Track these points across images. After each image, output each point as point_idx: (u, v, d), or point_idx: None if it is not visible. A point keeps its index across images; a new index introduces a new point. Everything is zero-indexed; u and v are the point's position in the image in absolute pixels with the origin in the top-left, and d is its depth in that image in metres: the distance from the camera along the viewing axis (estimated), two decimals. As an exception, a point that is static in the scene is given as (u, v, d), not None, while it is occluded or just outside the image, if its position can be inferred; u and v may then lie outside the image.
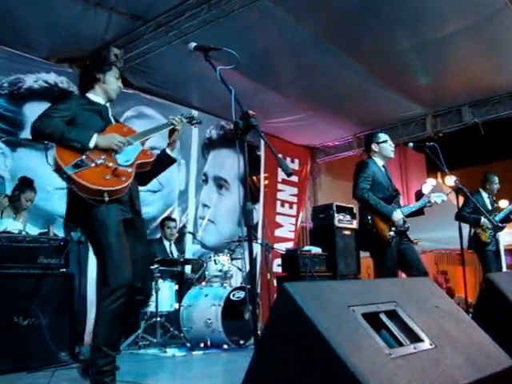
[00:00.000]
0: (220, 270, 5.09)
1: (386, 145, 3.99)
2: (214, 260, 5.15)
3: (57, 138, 2.43)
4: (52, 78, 5.65)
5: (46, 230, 4.27)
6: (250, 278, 5.48)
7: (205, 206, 7.32)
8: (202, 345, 4.62)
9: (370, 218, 3.89)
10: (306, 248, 6.42)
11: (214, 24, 5.07)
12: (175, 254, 5.86)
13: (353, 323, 1.52)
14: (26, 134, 5.36)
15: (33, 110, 5.39)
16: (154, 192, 6.45)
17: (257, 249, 7.16)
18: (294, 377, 1.43)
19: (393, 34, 5.53)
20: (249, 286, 4.95)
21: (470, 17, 5.21)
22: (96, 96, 2.75)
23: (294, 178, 8.80)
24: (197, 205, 7.21)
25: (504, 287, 2.23)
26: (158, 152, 2.94)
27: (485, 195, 5.58)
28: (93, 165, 2.45)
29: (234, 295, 4.77)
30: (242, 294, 4.82)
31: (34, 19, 5.00)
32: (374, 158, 4.01)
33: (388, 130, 7.43)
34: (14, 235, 3.70)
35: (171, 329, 4.93)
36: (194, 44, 2.44)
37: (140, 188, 2.81)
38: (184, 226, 6.86)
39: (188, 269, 5.84)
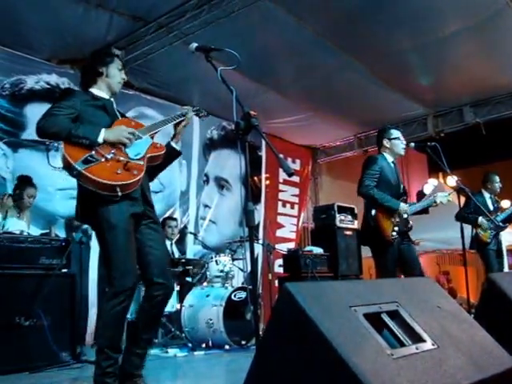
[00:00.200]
0: (221, 271, 5.09)
1: (398, 142, 3.96)
2: (216, 260, 5.16)
3: (64, 136, 2.36)
4: (53, 79, 5.66)
5: (48, 231, 4.28)
6: (251, 278, 5.48)
7: (206, 206, 7.33)
8: (203, 345, 4.62)
9: (373, 216, 3.88)
10: (308, 248, 6.42)
11: (214, 25, 5.07)
12: (176, 253, 5.86)
13: (354, 323, 1.51)
14: (28, 134, 5.37)
15: (34, 111, 5.40)
16: (156, 193, 6.45)
17: (258, 249, 7.16)
18: (296, 377, 1.42)
19: (394, 34, 5.53)
20: (250, 287, 4.95)
21: (471, 17, 5.21)
22: (99, 91, 2.67)
23: (296, 179, 8.80)
24: (198, 205, 7.21)
25: (506, 287, 2.23)
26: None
27: (486, 195, 5.56)
28: (103, 159, 2.37)
29: (235, 295, 4.77)
30: (243, 295, 4.82)
31: (35, 20, 5.00)
32: (384, 153, 3.99)
33: (389, 130, 7.42)
34: (15, 236, 3.71)
35: (173, 329, 4.93)
36: (195, 45, 2.44)
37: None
38: (185, 227, 6.87)
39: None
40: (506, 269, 5.67)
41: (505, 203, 5.88)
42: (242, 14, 4.96)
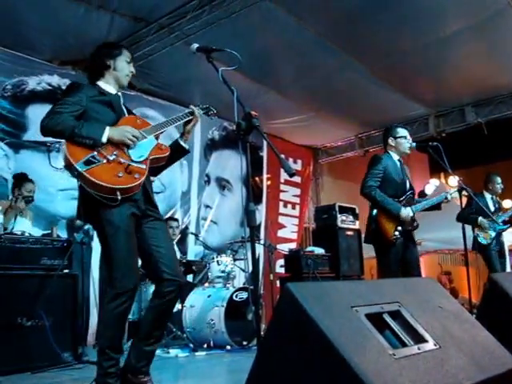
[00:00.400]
0: (223, 271, 5.09)
1: (404, 140, 3.97)
2: (217, 261, 5.16)
3: (67, 135, 2.33)
4: (55, 80, 5.67)
5: (50, 232, 4.28)
6: (252, 278, 5.49)
7: (207, 206, 7.33)
8: (204, 345, 4.62)
9: (375, 216, 3.89)
10: (309, 249, 6.42)
11: (215, 25, 5.08)
12: (177, 254, 5.86)
13: (356, 324, 1.51)
14: (29, 136, 5.38)
15: (36, 113, 5.41)
16: (157, 193, 6.45)
17: (260, 250, 7.16)
18: (297, 377, 1.42)
19: (395, 34, 5.53)
20: (252, 287, 4.95)
21: (472, 17, 5.20)
22: (107, 85, 2.61)
23: (297, 179, 8.80)
24: (199, 206, 7.21)
25: (508, 287, 2.22)
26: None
27: (488, 196, 5.56)
28: (105, 161, 2.34)
29: (236, 296, 4.77)
30: (244, 295, 4.82)
31: (36, 21, 5.01)
32: (390, 152, 4.00)
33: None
34: (17, 236, 3.71)
35: (174, 329, 4.93)
36: (196, 45, 2.44)
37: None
38: (186, 227, 6.87)
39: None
40: (508, 269, 5.67)
41: (506, 203, 5.87)
42: (243, 15, 4.96)
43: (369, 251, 6.70)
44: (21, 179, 4.45)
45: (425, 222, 4.06)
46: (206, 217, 7.29)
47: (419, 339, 1.62)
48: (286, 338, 1.49)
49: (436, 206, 4.05)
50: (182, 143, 2.74)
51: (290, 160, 8.65)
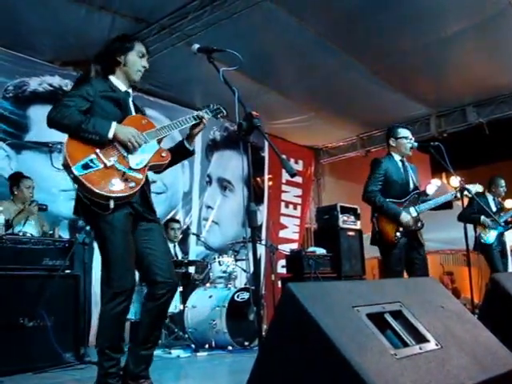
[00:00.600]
0: (224, 271, 5.09)
1: (405, 141, 3.98)
2: (219, 261, 5.16)
3: (73, 130, 2.31)
4: (56, 81, 5.67)
5: (51, 232, 4.28)
6: (254, 279, 5.49)
7: (208, 207, 7.33)
8: (206, 346, 4.62)
9: (376, 219, 3.90)
10: (311, 249, 6.41)
11: (216, 26, 5.08)
12: (179, 255, 5.87)
13: (357, 323, 1.51)
14: (31, 136, 5.39)
15: (37, 113, 5.42)
16: (158, 194, 6.46)
17: (261, 250, 7.16)
18: (299, 377, 1.42)
19: (395, 34, 5.52)
20: (253, 287, 4.95)
21: (473, 17, 5.19)
22: (118, 81, 2.57)
23: (298, 179, 8.80)
24: (200, 206, 7.22)
25: (510, 288, 2.22)
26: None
27: (490, 197, 5.57)
28: (102, 166, 2.32)
29: (238, 296, 4.77)
30: (246, 295, 4.82)
31: (38, 22, 5.02)
32: (392, 153, 4.03)
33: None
34: (19, 237, 3.72)
35: (176, 330, 4.94)
36: (197, 46, 2.44)
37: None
38: (188, 228, 6.87)
39: (192, 269, 5.85)
40: (510, 269, 5.66)
41: (509, 203, 5.86)
42: (244, 15, 4.96)
43: (370, 251, 6.72)
44: (17, 177, 4.47)
45: (426, 223, 4.05)
46: (207, 217, 7.29)
47: (421, 339, 1.62)
48: (287, 338, 1.49)
49: (447, 205, 4.04)
50: (187, 146, 2.71)
51: (292, 160, 8.65)
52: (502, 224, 5.30)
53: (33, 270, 3.66)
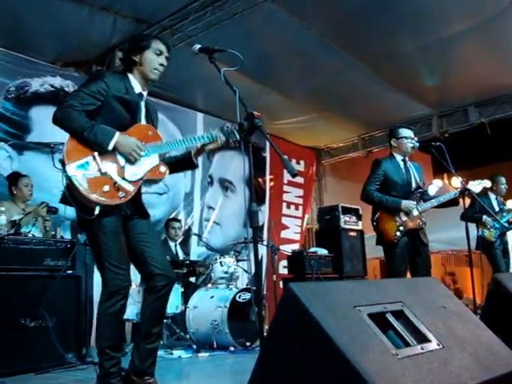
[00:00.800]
0: (226, 272, 5.09)
1: (405, 141, 3.99)
2: (220, 262, 5.15)
3: (75, 134, 2.31)
4: (58, 81, 5.68)
5: (53, 233, 4.29)
6: (255, 279, 5.49)
7: (210, 207, 7.33)
8: (208, 346, 4.62)
9: (376, 219, 3.90)
10: (312, 249, 6.41)
11: (218, 26, 5.08)
12: (180, 254, 5.87)
13: (359, 323, 1.51)
14: (33, 137, 5.40)
15: (39, 114, 5.43)
16: (160, 194, 6.46)
17: (263, 250, 7.15)
18: (300, 377, 1.42)
19: (397, 35, 5.52)
20: (255, 288, 4.94)
21: (475, 16, 5.19)
22: (134, 80, 2.53)
23: (300, 180, 8.79)
24: (202, 207, 7.22)
25: (512, 287, 2.22)
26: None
27: (492, 197, 5.56)
28: (96, 171, 2.32)
29: (239, 297, 4.76)
30: (247, 296, 4.82)
31: (40, 24, 5.02)
32: (394, 153, 4.05)
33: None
34: (20, 237, 3.72)
35: (177, 330, 4.93)
36: (198, 46, 2.44)
37: (147, 190, 2.74)
38: (189, 228, 6.87)
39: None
40: (512, 269, 5.65)
41: (510, 203, 5.86)
42: (245, 16, 4.96)
43: (372, 252, 6.73)
44: (15, 177, 4.48)
45: (428, 223, 4.05)
46: (208, 218, 7.29)
47: (422, 339, 1.62)
48: (288, 338, 1.49)
49: (453, 202, 4.03)
50: (194, 160, 2.68)
51: (293, 161, 8.64)
52: (505, 224, 5.30)
53: (34, 271, 3.66)
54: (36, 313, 3.50)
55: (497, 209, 5.47)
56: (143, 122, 2.59)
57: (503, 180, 5.61)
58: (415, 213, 3.84)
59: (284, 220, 8.51)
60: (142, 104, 2.60)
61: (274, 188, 8.37)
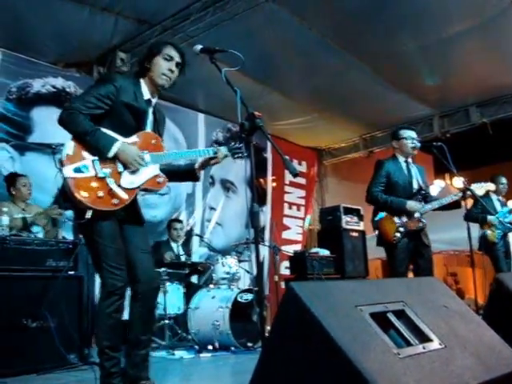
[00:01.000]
0: (227, 273, 5.08)
1: (406, 141, 4.00)
2: (222, 262, 5.15)
3: (78, 137, 2.31)
4: (59, 82, 5.69)
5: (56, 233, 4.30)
6: (257, 280, 5.49)
7: (212, 208, 7.33)
8: (210, 347, 4.61)
9: (377, 220, 3.91)
10: (314, 250, 6.40)
11: (219, 27, 5.09)
12: (182, 256, 5.86)
13: (360, 323, 1.51)
14: (34, 138, 5.41)
15: (40, 115, 5.44)
16: (162, 195, 6.46)
17: (264, 251, 7.15)
18: (301, 376, 1.42)
19: (399, 35, 5.52)
20: (256, 288, 4.94)
21: (476, 16, 5.18)
22: (145, 87, 2.53)
23: (302, 180, 8.79)
24: (204, 207, 7.22)
25: (514, 287, 2.21)
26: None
27: (494, 197, 5.55)
28: (93, 175, 2.31)
29: (241, 297, 4.76)
30: (249, 296, 4.81)
31: (41, 24, 5.04)
32: (396, 154, 4.06)
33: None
34: (22, 238, 3.73)
35: (179, 331, 4.93)
36: (199, 46, 2.44)
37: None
38: (191, 229, 6.87)
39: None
40: (514, 270, 5.64)
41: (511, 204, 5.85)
42: (246, 16, 4.97)
43: (374, 252, 6.71)
44: (12, 177, 4.50)
45: (430, 223, 4.05)
46: (210, 218, 7.29)
47: (424, 338, 1.61)
48: (289, 338, 1.49)
49: (455, 205, 4.03)
50: (197, 173, 2.68)
51: (295, 161, 8.64)
52: (508, 225, 5.29)
53: (36, 271, 3.65)
54: (38, 313, 3.50)
55: (499, 209, 5.47)
56: (148, 129, 2.59)
57: (503, 180, 5.61)
58: (416, 214, 3.84)
59: (286, 221, 8.51)
60: (150, 111, 2.59)
61: (276, 189, 8.37)
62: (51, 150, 5.40)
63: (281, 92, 6.77)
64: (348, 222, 6.75)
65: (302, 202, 8.83)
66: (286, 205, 8.57)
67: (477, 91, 6.94)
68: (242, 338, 4.59)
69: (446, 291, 2.04)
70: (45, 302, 3.52)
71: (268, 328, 4.46)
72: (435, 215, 4.16)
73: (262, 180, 8.12)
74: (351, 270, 6.43)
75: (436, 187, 7.13)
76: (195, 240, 6.80)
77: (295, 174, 2.16)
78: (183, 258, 5.78)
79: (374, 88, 6.63)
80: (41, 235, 4.22)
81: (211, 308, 4.71)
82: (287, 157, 2.13)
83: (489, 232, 5.30)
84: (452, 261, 11.31)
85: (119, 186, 2.37)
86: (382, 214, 3.89)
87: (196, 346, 4.72)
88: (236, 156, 2.62)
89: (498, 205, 5.53)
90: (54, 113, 5.19)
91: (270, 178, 8.29)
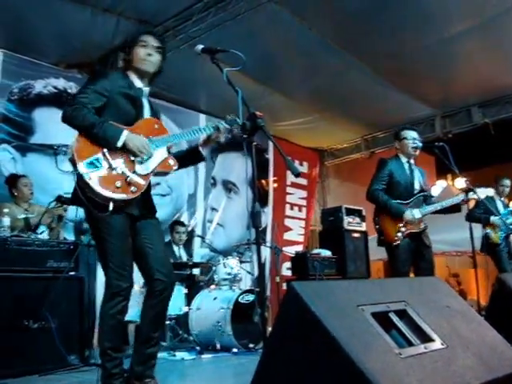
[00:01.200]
0: (229, 274, 5.07)
1: (407, 142, 4.00)
2: (223, 263, 5.14)
3: (84, 131, 2.32)
4: (61, 83, 5.70)
5: (50, 237, 4.30)
6: (258, 281, 5.48)
7: (213, 209, 7.33)
8: (211, 348, 4.60)
9: (378, 220, 3.90)
10: (316, 251, 6.39)
11: (220, 27, 5.08)
12: (184, 257, 5.86)
13: (362, 322, 1.50)
14: (36, 138, 5.41)
15: (42, 116, 5.45)
16: (164, 196, 6.46)
17: (266, 252, 7.15)
18: (302, 376, 1.41)
19: (399, 35, 5.50)
20: (258, 289, 4.93)
21: (477, 16, 5.17)
22: (134, 78, 2.57)
23: (303, 181, 8.79)
24: (205, 208, 7.22)
25: (516, 287, 2.20)
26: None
27: (497, 198, 5.54)
28: (107, 167, 2.32)
29: (243, 298, 4.75)
30: (251, 297, 4.80)
31: (43, 25, 5.04)
32: (398, 154, 4.06)
33: (397, 131, 7.38)
34: (23, 239, 3.72)
35: (180, 332, 4.92)
36: (201, 46, 2.44)
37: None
38: (192, 230, 6.87)
39: (196, 271, 5.84)
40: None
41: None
42: (248, 17, 4.96)
43: (376, 253, 6.70)
44: (13, 178, 4.50)
45: (432, 224, 4.04)
46: (212, 219, 7.29)
47: (426, 338, 1.60)
48: (290, 338, 1.48)
49: (455, 208, 4.03)
50: (201, 150, 2.72)
51: (296, 162, 8.64)
52: (510, 226, 5.28)
53: (37, 272, 3.65)
54: (39, 314, 3.49)
55: (502, 210, 5.46)
56: (148, 116, 2.61)
57: (505, 182, 5.60)
58: (417, 216, 3.83)
59: (287, 222, 8.50)
60: (145, 100, 2.63)
61: (278, 190, 8.37)
62: (53, 150, 5.44)
63: (282, 92, 6.76)
64: (350, 222, 6.73)
65: (304, 202, 8.82)
66: (287, 206, 8.56)
67: (479, 91, 6.92)
68: (244, 339, 4.58)
69: (449, 291, 2.03)
70: (46, 303, 3.52)
71: (269, 329, 4.46)
72: (437, 216, 4.15)
73: (263, 181, 8.11)
74: (353, 271, 6.42)
75: (438, 188, 7.12)
76: (197, 241, 6.80)
77: (297, 174, 2.16)
78: (184, 259, 5.78)
79: (376, 88, 6.62)
80: (46, 234, 4.21)
81: (212, 309, 4.71)
82: (289, 158, 2.13)
83: (492, 233, 5.29)
84: (454, 262, 11.28)
85: (134, 172, 2.40)
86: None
87: (197, 347, 4.71)
88: (234, 127, 2.67)
89: (500, 206, 5.52)
90: (56, 114, 5.20)
91: (271, 178, 8.28)
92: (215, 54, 2.40)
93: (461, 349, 1.63)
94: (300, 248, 8.16)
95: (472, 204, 5.14)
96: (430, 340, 1.60)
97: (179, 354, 4.39)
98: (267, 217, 8.10)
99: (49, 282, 3.64)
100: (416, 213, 3.83)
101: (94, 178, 2.28)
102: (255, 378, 1.53)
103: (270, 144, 7.49)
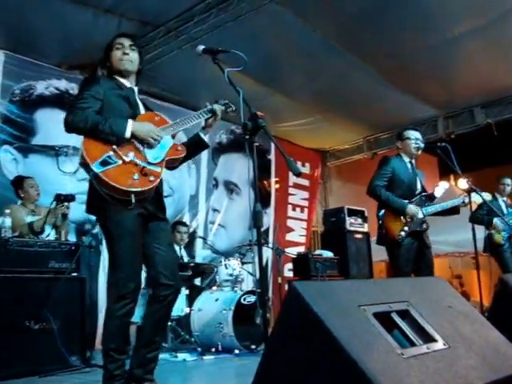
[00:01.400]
0: (231, 275, 5.06)
1: (409, 142, 4.00)
2: (225, 264, 5.13)
3: (91, 132, 2.32)
4: (63, 84, 5.71)
5: (58, 235, 4.29)
6: (260, 282, 5.47)
7: (215, 210, 7.32)
8: (212, 349, 4.59)
9: (381, 216, 3.89)
10: (318, 252, 6.38)
11: (222, 28, 5.08)
12: (185, 258, 5.85)
13: (364, 323, 1.49)
14: (38, 140, 5.42)
15: (44, 117, 5.45)
16: (165, 197, 6.44)
17: (268, 253, 7.13)
18: (303, 377, 1.40)
19: (402, 35, 5.50)
20: (259, 290, 4.92)
21: (480, 17, 5.16)
22: (120, 79, 2.61)
23: (305, 182, 8.78)
24: (207, 209, 7.21)
25: (519, 288, 2.19)
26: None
27: (500, 199, 5.53)
28: (120, 162, 2.32)
29: (244, 299, 4.74)
30: (252, 298, 4.79)
31: (44, 27, 5.05)
32: (401, 154, 4.05)
33: (399, 132, 7.37)
34: (25, 239, 3.73)
35: (182, 333, 4.92)
36: (202, 47, 2.44)
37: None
38: (194, 231, 6.86)
39: (197, 281, 5.83)
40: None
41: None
42: (250, 18, 4.97)
43: (378, 254, 6.68)
44: (19, 180, 4.50)
45: (434, 225, 4.02)
46: (213, 220, 7.28)
47: (428, 339, 1.59)
48: (292, 338, 1.47)
49: (453, 211, 4.02)
50: (202, 137, 2.76)
51: (298, 163, 8.62)
52: (513, 226, 5.26)
53: (39, 273, 3.66)
54: (40, 315, 3.50)
55: (505, 211, 5.44)
56: (143, 112, 2.64)
57: (505, 180, 5.59)
58: (420, 215, 3.82)
59: (289, 222, 8.49)
60: (137, 98, 2.65)
61: (280, 191, 8.36)
62: (54, 151, 5.46)
63: (284, 93, 6.76)
64: (352, 223, 6.72)
65: (306, 203, 8.81)
66: (289, 207, 8.56)
67: (482, 92, 6.91)
68: (246, 340, 4.57)
69: (451, 291, 2.02)
70: (47, 304, 3.52)
71: (271, 330, 4.45)
72: (439, 217, 4.14)
73: (265, 182, 8.10)
74: (355, 273, 6.41)
75: (441, 188, 7.09)
76: (198, 242, 6.80)
77: (298, 174, 2.16)
78: (186, 260, 5.77)
79: (378, 89, 6.61)
80: (52, 234, 4.21)
81: (214, 310, 4.70)
82: (291, 159, 2.13)
83: (495, 234, 5.27)
84: (457, 263, 11.24)
85: (149, 163, 2.41)
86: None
87: (199, 349, 4.71)
88: (229, 109, 2.82)
89: (503, 206, 5.50)
90: (58, 115, 5.21)
91: (273, 179, 8.27)
92: (216, 54, 2.40)
93: (463, 349, 1.61)
94: (302, 249, 8.15)
95: (475, 206, 5.12)
96: (433, 340, 1.58)
97: (181, 356, 4.38)
98: (269, 218, 8.09)
99: (50, 282, 3.64)
100: (417, 209, 3.82)
101: (110, 175, 2.28)
102: (256, 378, 1.52)
103: (272, 145, 7.47)
